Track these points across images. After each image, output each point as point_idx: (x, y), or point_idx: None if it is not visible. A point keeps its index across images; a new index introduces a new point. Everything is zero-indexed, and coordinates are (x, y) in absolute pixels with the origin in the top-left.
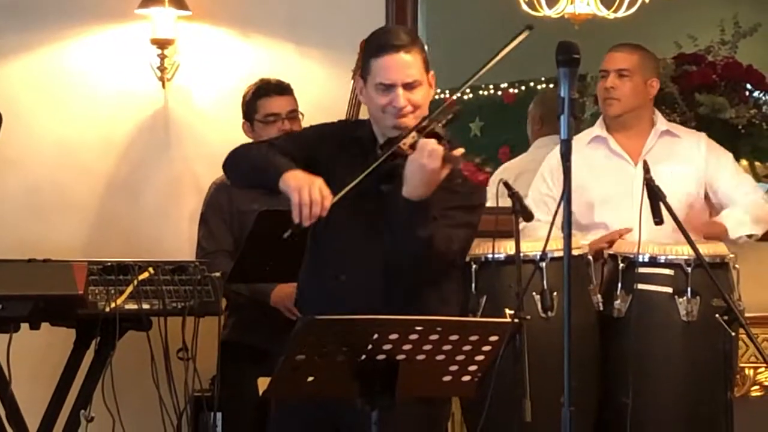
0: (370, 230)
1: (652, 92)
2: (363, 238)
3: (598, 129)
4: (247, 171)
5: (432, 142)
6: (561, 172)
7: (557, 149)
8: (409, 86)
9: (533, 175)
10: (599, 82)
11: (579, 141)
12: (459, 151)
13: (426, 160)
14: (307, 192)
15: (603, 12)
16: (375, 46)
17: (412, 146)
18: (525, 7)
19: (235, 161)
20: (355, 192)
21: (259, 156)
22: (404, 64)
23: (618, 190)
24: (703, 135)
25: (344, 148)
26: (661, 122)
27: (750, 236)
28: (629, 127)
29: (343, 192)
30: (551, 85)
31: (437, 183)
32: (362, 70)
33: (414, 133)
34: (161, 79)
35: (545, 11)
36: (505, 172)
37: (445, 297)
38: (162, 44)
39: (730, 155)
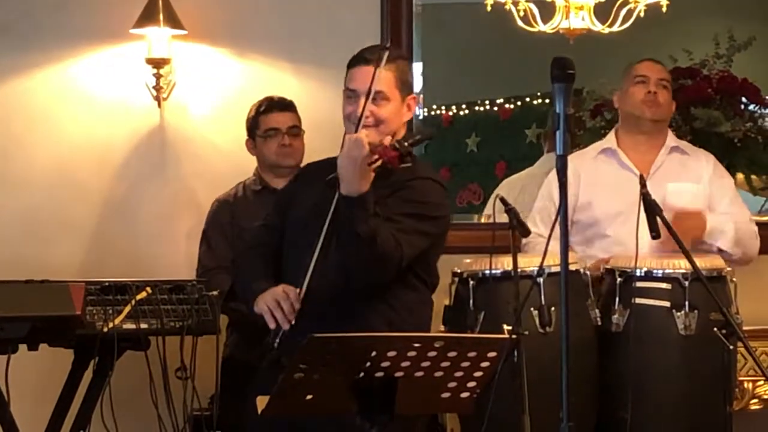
0: (329, 241)
1: (673, 109)
2: (325, 258)
3: (609, 142)
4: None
5: (354, 134)
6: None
7: None
8: (374, 98)
9: (536, 188)
10: (633, 87)
11: (585, 155)
12: (387, 140)
13: (354, 151)
14: (271, 299)
15: (598, 27)
16: (351, 59)
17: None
18: (520, 23)
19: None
20: (311, 208)
21: (243, 284)
22: (369, 75)
23: (626, 203)
24: (711, 156)
25: (312, 175)
26: (671, 138)
27: (721, 251)
28: (643, 141)
29: (314, 259)
30: (547, 101)
31: (369, 174)
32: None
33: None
34: (157, 98)
35: (540, 26)
36: (508, 186)
37: (408, 306)
38: (158, 63)
39: (732, 180)
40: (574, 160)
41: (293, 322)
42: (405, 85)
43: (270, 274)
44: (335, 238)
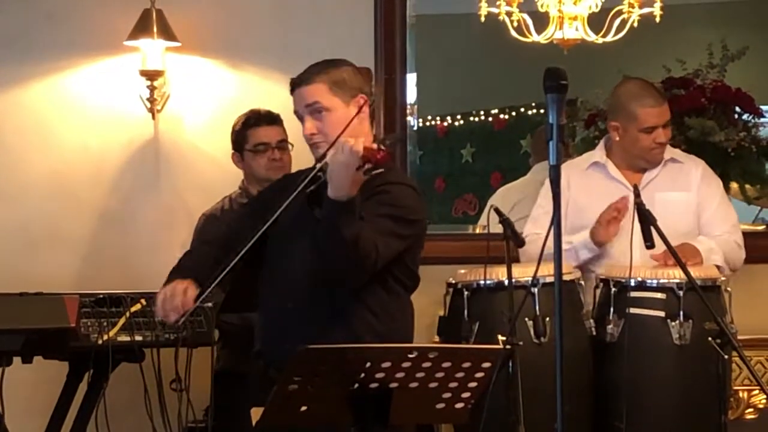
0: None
1: None
2: (306, 264)
3: (597, 155)
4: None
5: (350, 139)
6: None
7: None
8: (314, 112)
9: (531, 197)
10: (640, 134)
11: (577, 166)
12: (373, 146)
13: (347, 157)
14: (161, 295)
15: (591, 37)
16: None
17: None
18: (514, 33)
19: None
20: (293, 219)
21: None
22: (302, 94)
23: None
24: (701, 162)
25: (288, 184)
26: (667, 150)
27: (718, 267)
28: (641, 165)
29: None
30: (542, 111)
31: (360, 180)
32: None
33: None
34: (151, 110)
35: (534, 37)
36: (503, 196)
37: (390, 313)
38: (151, 75)
39: (721, 186)
40: (565, 169)
41: (179, 321)
42: (344, 88)
43: (199, 270)
44: (308, 243)
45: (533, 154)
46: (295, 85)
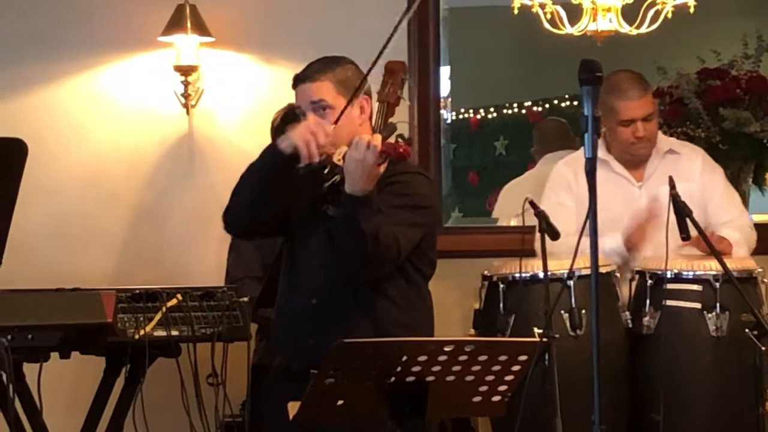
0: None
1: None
2: (326, 260)
3: (599, 151)
4: (247, 185)
5: (367, 136)
6: (570, 185)
7: (560, 164)
8: (317, 109)
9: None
10: (619, 127)
11: (581, 160)
12: (399, 141)
13: (364, 154)
14: (305, 128)
15: (625, 28)
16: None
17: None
18: (547, 25)
19: (235, 193)
20: (307, 217)
21: (248, 167)
22: (306, 91)
23: (621, 210)
24: (700, 151)
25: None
26: (664, 142)
27: None
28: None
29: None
30: (575, 103)
31: (377, 175)
32: None
33: (342, 147)
34: (185, 105)
35: (567, 29)
36: (512, 190)
37: (414, 304)
38: (186, 71)
39: (722, 173)
40: (570, 165)
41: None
42: (349, 88)
43: None
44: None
45: (537, 147)
46: (300, 81)
